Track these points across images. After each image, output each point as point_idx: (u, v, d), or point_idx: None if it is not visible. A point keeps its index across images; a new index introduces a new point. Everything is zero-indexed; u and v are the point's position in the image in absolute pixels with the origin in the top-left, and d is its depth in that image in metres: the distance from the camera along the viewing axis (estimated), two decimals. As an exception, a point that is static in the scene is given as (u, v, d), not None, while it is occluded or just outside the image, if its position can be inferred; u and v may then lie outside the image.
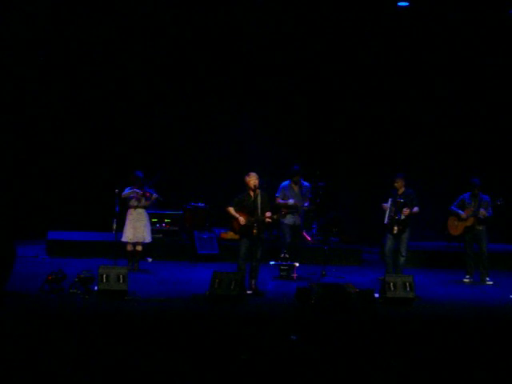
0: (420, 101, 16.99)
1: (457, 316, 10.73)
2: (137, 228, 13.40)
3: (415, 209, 12.93)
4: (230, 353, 8.15)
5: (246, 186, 11.82)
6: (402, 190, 13.05)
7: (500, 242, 15.80)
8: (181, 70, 16.74)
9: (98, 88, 16.41)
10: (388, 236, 13.10)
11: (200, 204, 15.58)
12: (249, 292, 11.51)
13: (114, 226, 12.99)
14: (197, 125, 16.98)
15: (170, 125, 16.75)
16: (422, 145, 17.07)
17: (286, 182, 13.58)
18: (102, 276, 10.90)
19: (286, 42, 16.69)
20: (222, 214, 12.34)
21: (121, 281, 10.91)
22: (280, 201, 13.29)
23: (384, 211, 13.05)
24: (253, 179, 11.75)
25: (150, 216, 13.93)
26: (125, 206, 13.40)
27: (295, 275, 13.16)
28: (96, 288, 10.97)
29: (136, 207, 13.43)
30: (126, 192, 13.32)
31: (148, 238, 13.53)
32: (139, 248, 13.51)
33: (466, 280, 13.46)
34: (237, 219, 11.75)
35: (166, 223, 15.19)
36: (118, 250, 12.93)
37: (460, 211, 13.45)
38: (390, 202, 13.01)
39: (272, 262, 13.25)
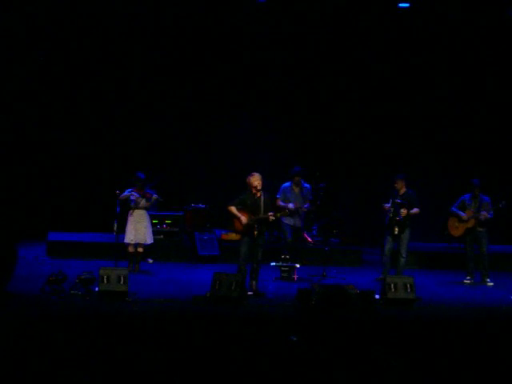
0: (420, 101, 16.99)
1: (457, 317, 10.73)
2: (138, 229, 13.39)
3: (415, 210, 12.94)
4: (230, 353, 8.16)
5: (248, 186, 11.81)
6: (402, 191, 13.07)
7: (500, 243, 15.79)
8: (181, 71, 16.73)
9: (98, 88, 16.40)
10: (387, 237, 13.12)
11: (201, 205, 15.58)
12: (249, 293, 11.50)
13: (115, 228, 13.00)
14: (197, 126, 16.97)
15: (170, 126, 16.75)
16: (421, 145, 17.07)
17: (286, 184, 13.57)
18: (102, 277, 10.89)
19: (286, 43, 16.69)
20: (223, 215, 12.33)
21: (121, 282, 10.91)
22: (281, 203, 13.26)
23: (385, 212, 13.07)
24: (257, 180, 11.73)
25: (151, 217, 13.93)
26: (126, 208, 13.39)
27: (296, 276, 13.15)
28: (97, 289, 10.97)
29: (136, 208, 13.42)
30: (125, 194, 13.29)
31: (149, 240, 13.52)
32: (140, 249, 13.50)
33: (466, 281, 13.45)
34: (239, 218, 11.74)
35: (166, 224, 15.17)
36: (119, 251, 12.91)
37: (461, 212, 13.44)
38: (389, 203, 13.03)
39: (273, 263, 13.24)
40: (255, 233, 11.62)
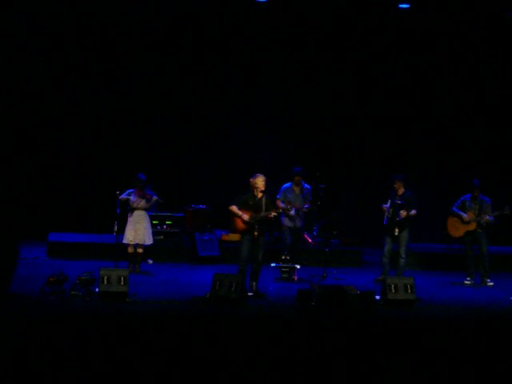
0: (420, 101, 16.99)
1: (457, 318, 10.73)
2: (137, 230, 13.39)
3: (413, 211, 12.94)
4: (230, 354, 8.16)
5: (250, 187, 11.81)
6: (401, 192, 13.08)
7: (501, 244, 15.78)
8: (181, 71, 16.73)
9: (98, 88, 16.39)
10: (386, 238, 13.13)
11: (201, 206, 15.58)
12: (250, 294, 11.50)
13: (115, 228, 12.99)
14: (197, 126, 16.97)
15: (170, 126, 16.75)
16: (421, 145, 17.07)
17: (287, 184, 13.57)
18: (102, 278, 10.88)
19: (286, 43, 16.69)
20: (223, 215, 12.32)
21: (122, 283, 10.90)
22: (281, 204, 13.24)
23: (383, 212, 13.08)
24: (260, 181, 11.73)
25: (151, 218, 13.93)
26: (126, 208, 13.39)
27: (296, 277, 13.14)
28: (97, 290, 10.96)
29: (136, 209, 13.41)
30: (123, 196, 13.27)
31: (148, 241, 13.51)
32: (140, 250, 13.50)
33: (466, 282, 13.44)
34: (240, 216, 11.74)
35: (166, 225, 15.18)
36: (119, 252, 12.91)
37: (462, 213, 13.42)
38: (388, 203, 13.03)
39: (273, 264, 13.23)
40: (255, 233, 11.62)
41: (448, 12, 16.15)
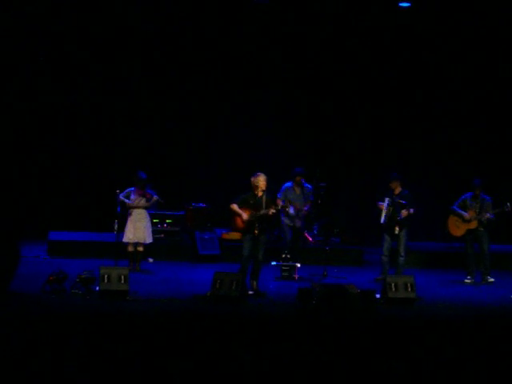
0: (420, 101, 16.98)
1: (458, 316, 10.74)
2: (137, 228, 13.39)
3: (411, 210, 12.95)
4: (230, 353, 8.16)
5: (251, 185, 11.81)
6: (398, 191, 13.08)
7: (501, 242, 15.77)
8: (181, 71, 16.72)
9: (98, 88, 16.39)
10: (385, 237, 13.13)
11: (201, 204, 15.57)
12: (250, 292, 11.51)
13: (116, 227, 12.98)
14: (197, 126, 16.96)
15: (171, 125, 16.74)
16: (421, 145, 17.06)
17: (288, 183, 13.56)
18: (103, 276, 10.90)
19: (286, 43, 16.68)
20: (224, 214, 12.32)
21: (122, 281, 10.91)
22: (281, 202, 13.23)
23: (379, 210, 13.09)
24: (262, 180, 11.73)
25: (152, 216, 13.92)
26: (126, 207, 13.39)
27: (297, 276, 13.15)
28: (97, 288, 10.98)
29: (136, 208, 13.41)
30: (121, 197, 13.24)
31: (148, 239, 13.51)
32: (140, 248, 13.50)
33: (467, 280, 13.44)
34: (240, 215, 11.73)
35: (167, 223, 15.16)
36: (119, 251, 12.91)
37: (463, 212, 13.42)
38: (386, 202, 13.03)
39: (273, 263, 13.23)
40: (256, 232, 11.62)
41: (449, 11, 16.15)
